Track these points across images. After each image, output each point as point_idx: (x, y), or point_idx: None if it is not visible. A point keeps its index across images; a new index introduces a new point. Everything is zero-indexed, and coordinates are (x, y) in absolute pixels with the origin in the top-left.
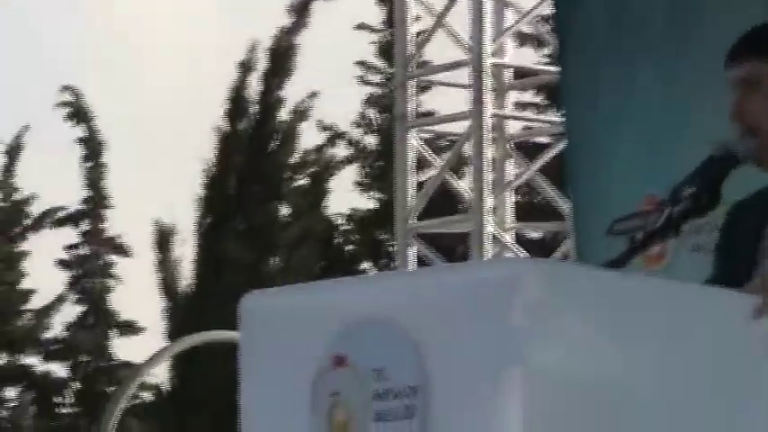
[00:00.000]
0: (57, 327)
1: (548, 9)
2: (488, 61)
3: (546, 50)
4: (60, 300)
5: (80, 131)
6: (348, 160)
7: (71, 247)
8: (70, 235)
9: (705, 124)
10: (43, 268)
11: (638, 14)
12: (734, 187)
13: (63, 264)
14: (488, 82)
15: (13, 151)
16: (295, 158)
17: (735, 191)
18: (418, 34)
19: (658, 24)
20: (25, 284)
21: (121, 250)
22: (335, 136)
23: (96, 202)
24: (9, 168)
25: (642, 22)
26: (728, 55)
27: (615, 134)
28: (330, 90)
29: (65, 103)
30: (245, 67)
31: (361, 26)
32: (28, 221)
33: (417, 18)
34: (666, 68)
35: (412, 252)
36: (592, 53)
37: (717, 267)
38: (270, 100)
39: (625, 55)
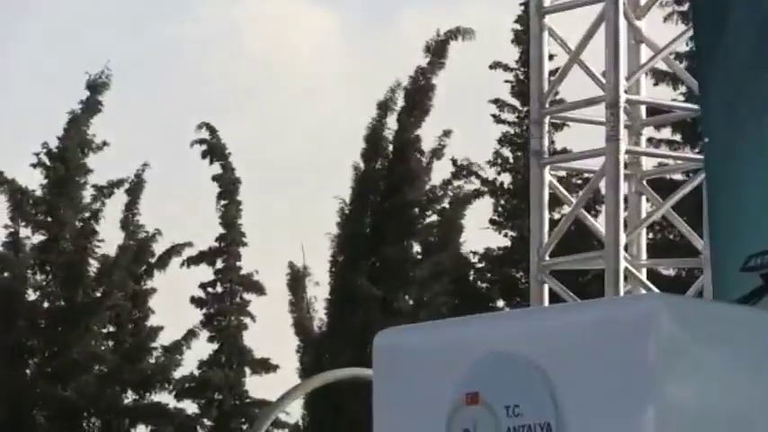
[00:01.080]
0: (189, 364)
1: (683, 46)
2: (623, 98)
3: (681, 88)
4: (190, 335)
5: (216, 169)
6: (476, 194)
7: (206, 284)
8: (204, 273)
9: None
10: (172, 306)
11: None
12: None
13: (196, 301)
14: (623, 119)
15: (136, 189)
16: (425, 195)
17: None
18: (553, 72)
19: None
20: (153, 322)
21: (256, 288)
22: (463, 168)
23: (231, 240)
24: (130, 207)
25: None
26: None
27: (757, 164)
28: (464, 129)
29: (201, 141)
30: (384, 107)
31: (496, 65)
32: (152, 259)
33: (552, 56)
34: None
35: (545, 289)
36: (731, 90)
37: None
38: (405, 139)
39: (762, 87)
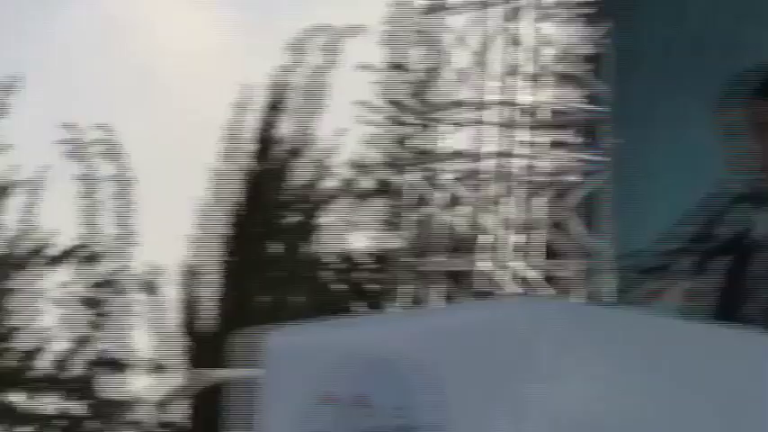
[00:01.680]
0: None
1: (584, 49)
2: (519, 100)
3: (580, 90)
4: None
5: (111, 169)
6: (335, 195)
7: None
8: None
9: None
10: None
11: (690, 42)
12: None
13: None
14: (517, 121)
15: (33, 189)
16: (287, 196)
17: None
18: (430, 73)
19: (705, 54)
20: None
21: (145, 288)
22: (325, 171)
23: (123, 240)
24: (27, 207)
25: (694, 51)
26: (760, 90)
27: (660, 170)
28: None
29: (97, 141)
30: (245, 105)
31: (362, 66)
32: (45, 259)
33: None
34: (709, 103)
35: (432, 290)
36: (645, 87)
37: (722, 306)
38: (266, 137)
39: (675, 89)
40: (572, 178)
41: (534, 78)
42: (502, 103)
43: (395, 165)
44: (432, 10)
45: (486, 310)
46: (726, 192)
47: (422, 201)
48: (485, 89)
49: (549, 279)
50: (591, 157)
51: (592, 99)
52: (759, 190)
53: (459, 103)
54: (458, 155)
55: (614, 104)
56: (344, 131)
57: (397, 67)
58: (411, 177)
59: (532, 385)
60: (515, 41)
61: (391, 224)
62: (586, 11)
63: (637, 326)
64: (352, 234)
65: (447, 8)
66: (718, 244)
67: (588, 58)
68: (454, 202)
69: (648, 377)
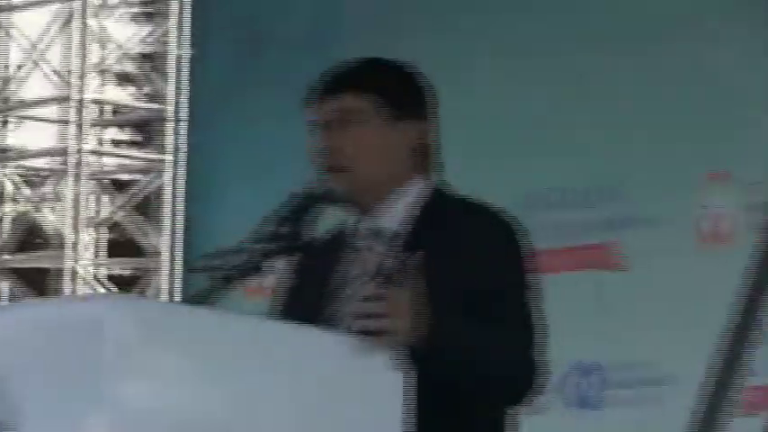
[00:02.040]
0: None
1: (147, 47)
2: (83, 97)
3: (140, 89)
4: None
5: None
6: None
7: None
8: None
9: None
10: None
11: (265, 43)
12: (324, 226)
13: None
14: (81, 118)
15: None
16: None
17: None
18: (16, 68)
19: (282, 55)
20: None
21: None
22: None
23: None
24: None
25: (268, 52)
26: (324, 88)
27: (234, 172)
28: None
29: None
30: None
31: None
32: None
33: (11, 54)
34: (285, 104)
35: (2, 287)
36: (216, 87)
37: (283, 305)
38: None
39: (249, 90)
40: (135, 177)
41: (97, 76)
42: (65, 99)
43: None
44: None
45: (59, 308)
46: (303, 192)
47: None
48: (50, 86)
49: (113, 277)
50: (153, 156)
51: (154, 97)
52: (323, 190)
53: (49, 100)
54: (45, 152)
55: (184, 103)
56: None
57: None
58: None
59: (105, 383)
60: (80, 38)
61: None
62: (149, 9)
63: (214, 325)
64: None
65: (13, 4)
66: (278, 244)
67: (150, 57)
68: (29, 199)
69: (224, 374)
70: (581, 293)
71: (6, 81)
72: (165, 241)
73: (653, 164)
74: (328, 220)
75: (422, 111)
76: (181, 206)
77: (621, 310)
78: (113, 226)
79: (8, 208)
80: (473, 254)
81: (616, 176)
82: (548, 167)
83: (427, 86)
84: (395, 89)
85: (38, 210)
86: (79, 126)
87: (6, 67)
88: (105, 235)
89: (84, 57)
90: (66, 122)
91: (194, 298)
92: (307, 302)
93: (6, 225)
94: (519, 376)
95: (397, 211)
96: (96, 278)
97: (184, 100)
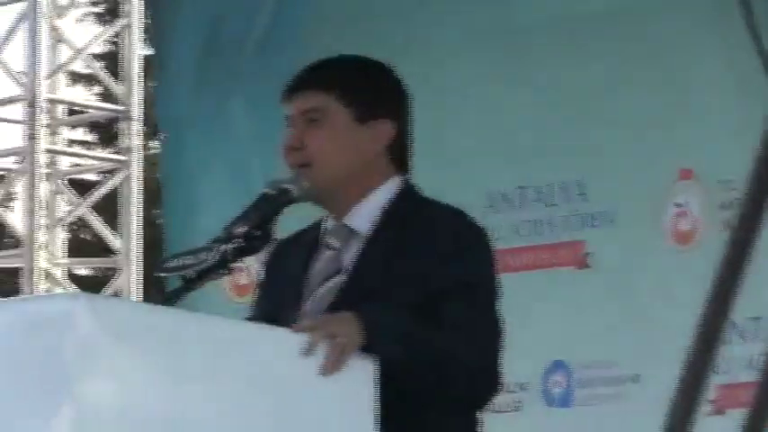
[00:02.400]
0: None
1: (100, 47)
2: (43, 97)
3: (95, 88)
4: None
5: None
6: None
7: None
8: None
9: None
10: None
11: (230, 45)
12: (293, 224)
13: None
14: (42, 118)
15: None
16: None
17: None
18: None
19: (249, 53)
20: None
21: None
22: None
23: None
24: None
25: (234, 52)
26: (290, 86)
27: (206, 171)
28: None
29: None
30: None
31: None
32: None
33: None
34: (256, 102)
35: None
36: (184, 86)
37: (259, 303)
38: None
39: (218, 89)
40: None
41: (57, 76)
42: (25, 99)
43: None
44: None
45: (23, 306)
46: (272, 189)
47: None
48: (10, 86)
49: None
50: (115, 156)
51: (112, 98)
52: (292, 188)
53: (10, 100)
54: (6, 152)
55: (154, 105)
56: None
57: None
58: None
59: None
60: (34, 37)
61: None
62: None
63: (181, 324)
64: None
65: None
66: (248, 243)
67: (110, 57)
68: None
69: (188, 373)
70: (546, 292)
71: None
72: (129, 241)
73: (620, 161)
74: (306, 218)
75: (393, 109)
76: (140, 206)
77: (587, 309)
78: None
79: None
80: (442, 253)
81: (581, 174)
82: (510, 165)
83: (400, 85)
84: (361, 88)
85: (3, 209)
86: (45, 126)
87: None
88: (66, 235)
89: (35, 56)
90: (26, 122)
91: (163, 297)
92: (282, 301)
93: None
94: (482, 379)
95: (369, 212)
96: (58, 277)
97: (141, 100)
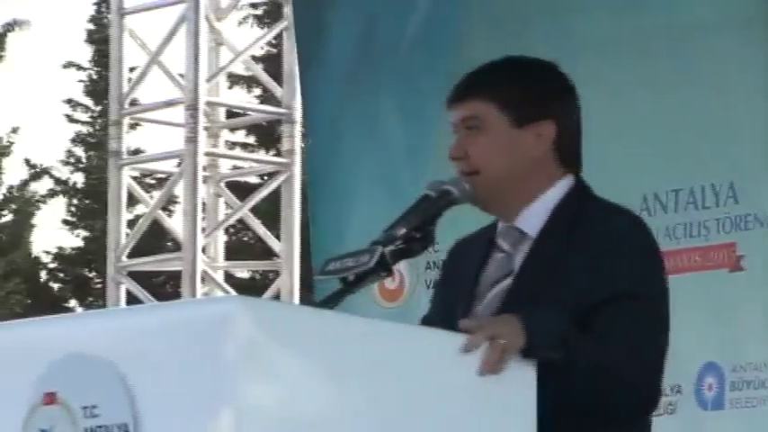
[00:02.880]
0: None
1: (261, 50)
2: (203, 100)
3: (255, 90)
4: None
5: None
6: (51, 195)
7: None
8: None
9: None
10: None
11: (384, 45)
12: (455, 226)
13: None
14: (202, 121)
15: None
16: None
17: (455, 230)
18: (131, 70)
19: (402, 53)
20: None
21: None
22: (40, 172)
23: None
24: None
25: (388, 52)
26: (451, 95)
27: (356, 173)
28: (36, 127)
29: None
30: None
31: (69, 64)
32: None
33: (131, 55)
34: (408, 103)
35: (122, 290)
36: (335, 87)
37: (434, 303)
38: None
39: (369, 89)
40: (254, 180)
41: (214, 78)
42: (182, 102)
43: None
44: (108, 7)
45: (183, 309)
46: (435, 192)
47: (130, 199)
48: (169, 89)
49: (232, 279)
50: (274, 158)
51: (272, 100)
52: (457, 191)
53: (170, 103)
54: (168, 155)
55: (302, 106)
56: (18, 129)
57: (73, 64)
58: (124, 176)
59: (229, 384)
60: (194, 40)
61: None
62: (265, 10)
63: (339, 327)
64: (64, 232)
65: (124, 6)
66: (408, 245)
67: (266, 59)
68: (169, 201)
69: (347, 376)
70: (698, 295)
71: (129, 85)
72: (290, 244)
73: None
74: (481, 221)
75: (555, 109)
76: (309, 209)
77: (740, 311)
78: (238, 229)
79: (130, 211)
80: (606, 258)
81: (732, 176)
82: (661, 168)
83: (564, 83)
84: (516, 91)
85: (160, 212)
86: (205, 129)
87: (130, 69)
88: (226, 238)
89: (195, 59)
90: (186, 126)
91: (323, 301)
92: (454, 303)
93: (128, 228)
94: (640, 396)
95: (539, 213)
96: (218, 281)
97: (305, 102)
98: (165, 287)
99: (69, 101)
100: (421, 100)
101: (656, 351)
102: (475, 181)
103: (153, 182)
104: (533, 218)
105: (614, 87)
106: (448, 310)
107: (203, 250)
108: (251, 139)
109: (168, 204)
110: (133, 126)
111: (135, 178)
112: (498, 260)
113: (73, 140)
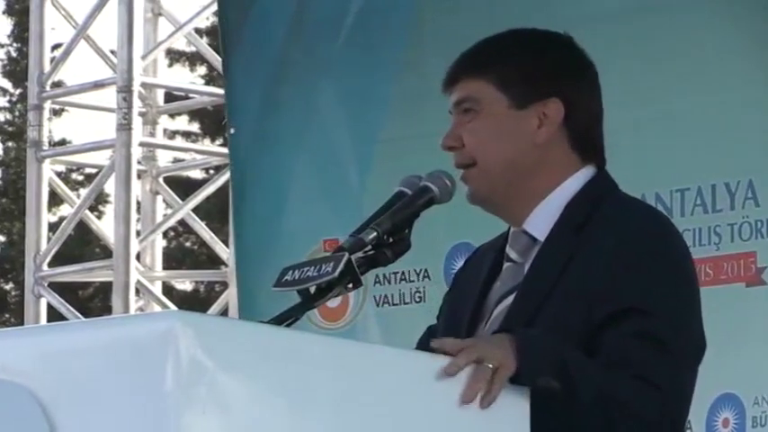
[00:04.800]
0: None
1: (204, 21)
2: (138, 81)
3: (200, 69)
4: None
5: None
6: None
7: None
8: None
9: (396, 155)
10: None
11: (321, 23)
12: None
13: None
14: (137, 105)
15: None
16: None
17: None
18: (54, 48)
19: (344, 32)
20: None
21: None
22: None
23: None
24: None
25: (326, 30)
26: (445, 77)
27: (289, 168)
28: None
29: None
30: None
31: None
32: None
33: (54, 29)
34: (352, 87)
35: (42, 304)
36: (264, 73)
37: (438, 321)
38: None
39: (305, 73)
40: (198, 174)
41: (150, 55)
42: (113, 83)
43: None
44: None
45: (114, 327)
46: (413, 190)
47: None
48: (98, 69)
49: (172, 292)
50: (220, 149)
51: (218, 80)
52: (423, 184)
53: (59, 84)
54: (97, 145)
55: (225, 91)
56: None
57: None
58: (45, 170)
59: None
60: (128, 11)
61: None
62: None
63: (289, 344)
64: None
65: None
66: (382, 252)
67: (212, 32)
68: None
69: (303, 400)
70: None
71: (52, 64)
72: (231, 249)
73: None
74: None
75: (564, 86)
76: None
77: (761, 333)
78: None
79: (54, 212)
80: (617, 266)
81: (751, 172)
82: (664, 164)
83: (575, 57)
84: (518, 66)
85: (87, 213)
86: (140, 115)
87: (53, 47)
88: (164, 243)
89: (128, 33)
90: (117, 111)
91: (278, 318)
92: (457, 321)
93: (51, 231)
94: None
95: (550, 213)
96: (155, 293)
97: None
98: (94, 301)
99: None
100: (367, 85)
101: (675, 379)
102: (471, 174)
103: (81, 178)
104: (543, 219)
105: (602, 68)
106: (453, 330)
107: (138, 257)
108: (194, 127)
109: (98, 204)
110: (58, 112)
111: (60, 174)
112: (507, 272)
113: None
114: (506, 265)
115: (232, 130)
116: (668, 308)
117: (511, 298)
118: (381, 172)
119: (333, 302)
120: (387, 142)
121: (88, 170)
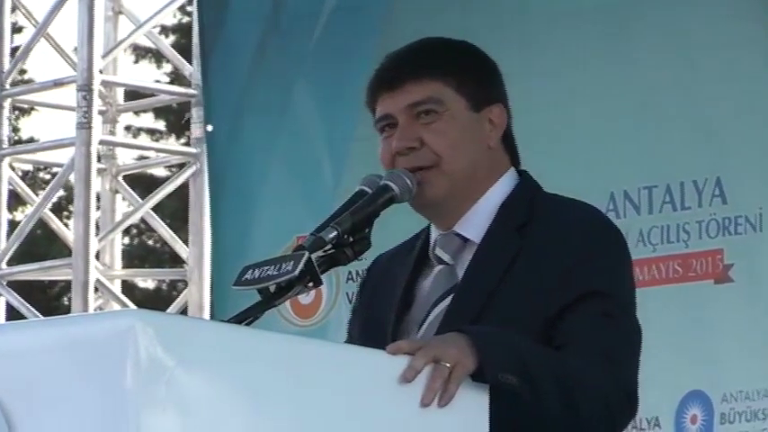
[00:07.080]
0: None
1: (170, 18)
2: (98, 79)
3: (165, 67)
4: None
5: None
6: None
7: None
8: None
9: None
10: None
11: (296, 21)
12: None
13: None
14: (97, 103)
15: None
16: None
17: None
18: (17, 49)
19: (318, 31)
20: None
21: None
22: None
23: None
24: None
25: (300, 29)
26: (388, 78)
27: (265, 166)
28: None
29: None
30: None
31: None
32: None
33: (19, 29)
34: (326, 87)
35: (1, 303)
36: (240, 72)
37: (351, 333)
38: None
39: (279, 70)
40: (160, 172)
41: (111, 53)
42: (73, 81)
43: None
44: None
45: (75, 325)
46: (373, 190)
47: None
48: (60, 67)
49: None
50: (181, 148)
51: (184, 78)
52: (384, 183)
53: (60, 82)
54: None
55: (202, 88)
56: None
57: None
58: (5, 169)
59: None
60: (89, 8)
61: None
62: None
63: (250, 343)
64: None
65: None
66: (342, 251)
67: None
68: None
69: (265, 400)
70: (678, 311)
71: (11, 61)
72: (201, 249)
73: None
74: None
75: (503, 92)
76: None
77: (729, 331)
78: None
79: (21, 211)
80: (567, 261)
81: (719, 170)
82: (632, 161)
83: (496, 66)
84: (472, 70)
85: (47, 212)
86: (98, 113)
87: (13, 47)
88: (125, 241)
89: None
90: (78, 109)
91: (238, 317)
92: (381, 330)
93: (8, 230)
94: (616, 404)
95: (484, 214)
96: (115, 292)
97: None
98: (60, 299)
99: None
100: (342, 83)
101: (628, 353)
102: (431, 176)
103: (48, 177)
104: (476, 221)
105: (572, 64)
106: (371, 339)
107: (97, 256)
108: (160, 125)
109: (69, 204)
110: (27, 111)
111: (27, 173)
112: (438, 274)
113: None
114: (438, 267)
115: (209, 128)
116: (624, 290)
117: (449, 299)
118: (357, 170)
119: (305, 299)
120: (362, 140)
121: (56, 169)
